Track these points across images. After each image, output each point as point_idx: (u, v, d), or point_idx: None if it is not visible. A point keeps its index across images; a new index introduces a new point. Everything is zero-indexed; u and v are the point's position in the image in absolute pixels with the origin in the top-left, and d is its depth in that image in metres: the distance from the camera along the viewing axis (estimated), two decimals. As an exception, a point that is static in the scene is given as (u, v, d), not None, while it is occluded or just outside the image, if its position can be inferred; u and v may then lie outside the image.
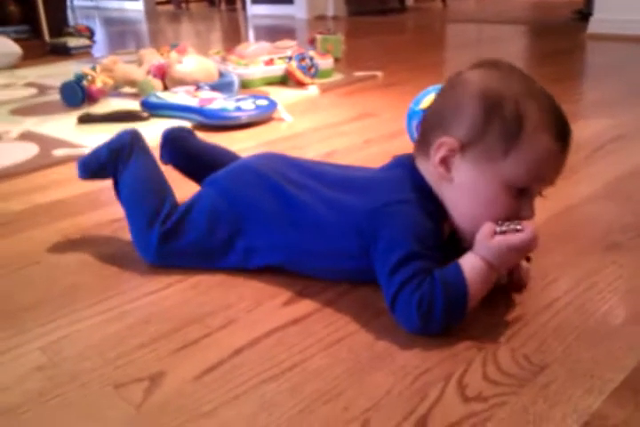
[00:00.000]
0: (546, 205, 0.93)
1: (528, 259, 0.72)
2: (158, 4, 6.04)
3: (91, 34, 3.24)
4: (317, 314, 0.68)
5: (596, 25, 2.84)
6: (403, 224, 0.63)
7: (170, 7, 6.09)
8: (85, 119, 1.54)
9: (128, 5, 6.03)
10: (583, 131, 1.32)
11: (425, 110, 0.70)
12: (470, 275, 0.60)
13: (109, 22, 5.12)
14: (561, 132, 0.62)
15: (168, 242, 0.77)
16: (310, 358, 0.60)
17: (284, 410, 0.53)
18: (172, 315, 0.69)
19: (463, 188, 0.64)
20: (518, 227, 0.60)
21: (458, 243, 0.68)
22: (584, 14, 3.18)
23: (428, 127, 0.67)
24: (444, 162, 0.64)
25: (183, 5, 6.06)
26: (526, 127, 0.60)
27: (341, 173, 0.76)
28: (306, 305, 0.70)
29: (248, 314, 0.69)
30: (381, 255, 0.63)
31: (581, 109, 1.57)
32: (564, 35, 3.01)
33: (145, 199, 0.81)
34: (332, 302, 0.70)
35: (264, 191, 0.75)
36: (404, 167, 0.70)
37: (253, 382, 0.57)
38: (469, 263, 0.60)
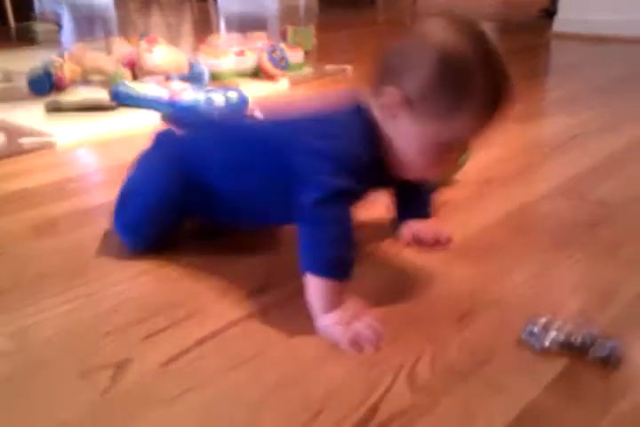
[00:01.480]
0: (504, 202, 0.98)
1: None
2: (128, -11, 5.93)
3: (58, 20, 3.18)
4: (281, 306, 0.71)
5: (560, 24, 2.91)
6: (332, 145, 0.68)
7: (140, -7, 5.98)
8: (53, 108, 1.53)
9: (96, -9, 5.90)
10: (543, 129, 1.37)
11: (387, 51, 0.70)
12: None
13: (76, 8, 4.99)
14: (500, 102, 0.66)
15: None
16: (270, 348, 0.63)
17: (246, 397, 0.56)
18: (139, 304, 0.71)
19: (402, 134, 0.68)
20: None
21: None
22: (550, 13, 3.25)
23: (385, 69, 0.69)
24: (389, 108, 0.67)
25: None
26: (469, 95, 0.64)
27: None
28: (270, 297, 0.73)
29: (214, 304, 0.71)
30: (302, 187, 0.68)
31: (544, 108, 1.63)
32: (530, 33, 3.07)
33: None
34: (295, 295, 0.72)
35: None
36: (355, 106, 0.72)
37: (216, 371, 0.60)
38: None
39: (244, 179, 0.77)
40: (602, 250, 0.83)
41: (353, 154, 0.68)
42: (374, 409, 0.54)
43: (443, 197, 0.94)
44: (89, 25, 3.90)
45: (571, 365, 0.60)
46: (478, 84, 0.64)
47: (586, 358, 0.61)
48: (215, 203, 0.80)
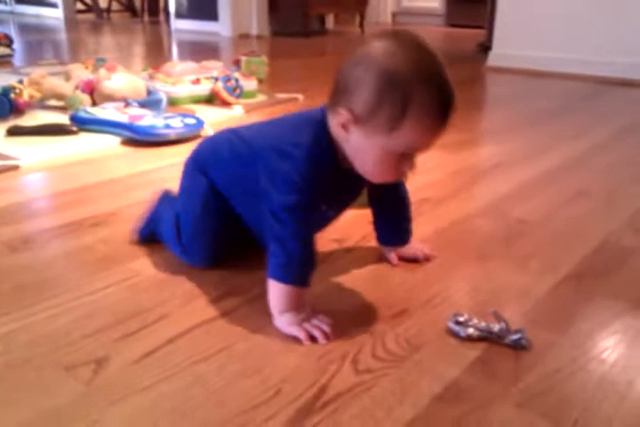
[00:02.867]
0: (437, 220, 1.11)
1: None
2: (78, 12, 5.94)
3: (9, 42, 3.20)
4: (242, 309, 0.80)
5: (494, 58, 3.15)
6: (289, 167, 0.74)
7: (90, 16, 6.01)
8: (15, 131, 1.59)
9: (46, 12, 5.88)
10: (472, 157, 1.53)
11: (337, 72, 0.75)
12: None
13: (26, 29, 5.00)
14: (442, 113, 0.70)
15: None
16: (234, 344, 0.73)
17: (212, 384, 0.66)
18: (112, 310, 0.80)
19: (356, 149, 0.74)
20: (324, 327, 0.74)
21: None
22: (486, 47, 3.49)
23: (337, 90, 0.74)
24: (343, 126, 0.73)
25: (104, 15, 6.01)
26: (411, 112, 0.68)
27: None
28: (232, 301, 0.82)
29: (181, 309, 0.80)
30: (267, 196, 0.75)
31: (474, 137, 1.80)
32: (468, 66, 3.29)
33: None
34: (256, 298, 0.82)
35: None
36: (316, 117, 0.78)
37: (185, 364, 0.69)
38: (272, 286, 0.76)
39: (241, 189, 0.86)
40: (516, 261, 0.97)
41: (311, 173, 0.74)
42: (323, 389, 0.64)
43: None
44: (39, 46, 3.92)
45: (489, 349, 0.72)
46: (418, 98, 0.68)
47: (501, 343, 0.73)
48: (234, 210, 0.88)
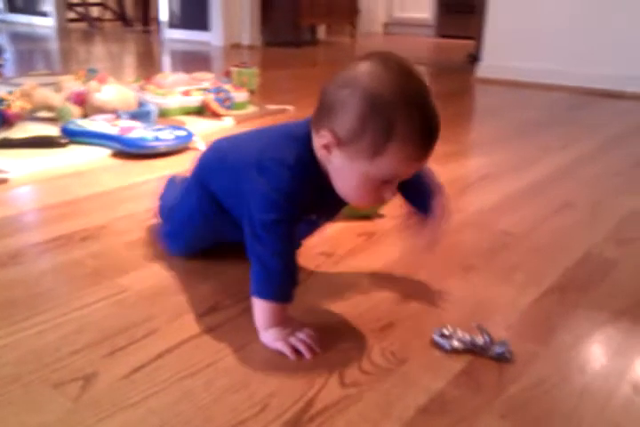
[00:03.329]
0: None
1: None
2: (70, 20, 5.96)
3: (0, 52, 3.20)
4: (230, 323, 0.81)
5: (483, 69, 3.19)
6: (267, 185, 0.74)
7: (82, 25, 6.03)
8: (4, 144, 1.59)
9: (37, 21, 5.90)
10: (460, 168, 1.54)
11: (321, 93, 0.75)
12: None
13: (17, 38, 5.02)
14: (425, 142, 0.70)
15: None
16: (222, 358, 0.74)
17: (200, 399, 0.66)
18: (101, 326, 0.80)
19: (337, 171, 0.75)
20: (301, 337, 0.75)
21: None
22: (475, 58, 3.53)
23: (321, 110, 0.74)
24: (326, 148, 0.73)
25: (97, 24, 6.03)
26: (394, 138, 0.68)
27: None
28: (220, 316, 0.83)
29: (169, 324, 0.81)
30: (248, 211, 0.76)
31: (462, 149, 1.82)
32: (457, 77, 3.34)
33: None
34: (243, 313, 0.83)
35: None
36: (300, 132, 0.78)
37: (173, 379, 0.69)
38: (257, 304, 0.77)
39: (235, 201, 0.87)
40: (500, 273, 0.98)
41: (291, 192, 0.74)
42: (310, 403, 0.65)
43: (369, 229, 1.08)
44: (30, 56, 3.92)
45: (473, 361, 0.74)
46: (402, 125, 0.67)
47: (486, 355, 0.74)
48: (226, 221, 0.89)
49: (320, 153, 0.75)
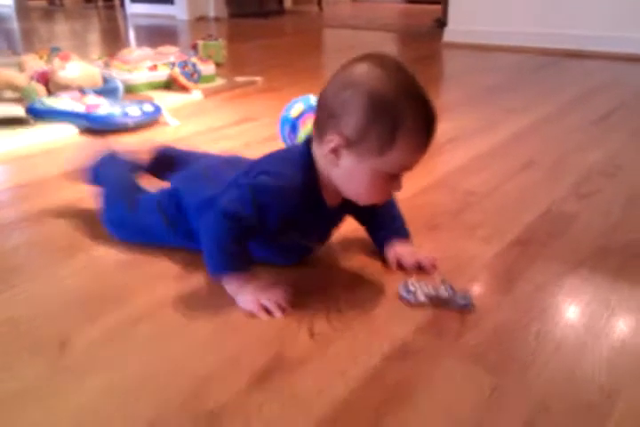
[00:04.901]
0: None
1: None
2: (29, -2, 5.80)
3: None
4: (205, 287, 0.84)
5: (450, 34, 3.19)
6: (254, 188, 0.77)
7: (42, 3, 5.86)
8: (-31, 124, 1.58)
9: (-5, 0, 5.73)
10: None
11: (320, 99, 0.76)
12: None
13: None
14: (428, 132, 0.73)
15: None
16: (197, 321, 0.77)
17: (174, 358, 0.69)
18: (76, 294, 0.83)
19: (347, 173, 0.76)
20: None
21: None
22: (442, 23, 3.53)
23: (323, 117, 0.75)
24: (334, 151, 0.75)
25: (57, 1, 5.86)
26: (401, 133, 0.71)
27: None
28: (195, 281, 0.86)
29: (143, 290, 0.83)
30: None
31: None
32: (425, 42, 3.34)
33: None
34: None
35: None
36: (299, 148, 0.81)
37: (149, 341, 0.73)
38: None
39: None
40: (464, 231, 1.02)
41: (270, 202, 0.77)
42: (281, 353, 0.69)
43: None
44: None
45: (437, 312, 0.78)
46: (406, 119, 0.70)
47: (449, 307, 0.78)
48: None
49: (326, 161, 0.76)
